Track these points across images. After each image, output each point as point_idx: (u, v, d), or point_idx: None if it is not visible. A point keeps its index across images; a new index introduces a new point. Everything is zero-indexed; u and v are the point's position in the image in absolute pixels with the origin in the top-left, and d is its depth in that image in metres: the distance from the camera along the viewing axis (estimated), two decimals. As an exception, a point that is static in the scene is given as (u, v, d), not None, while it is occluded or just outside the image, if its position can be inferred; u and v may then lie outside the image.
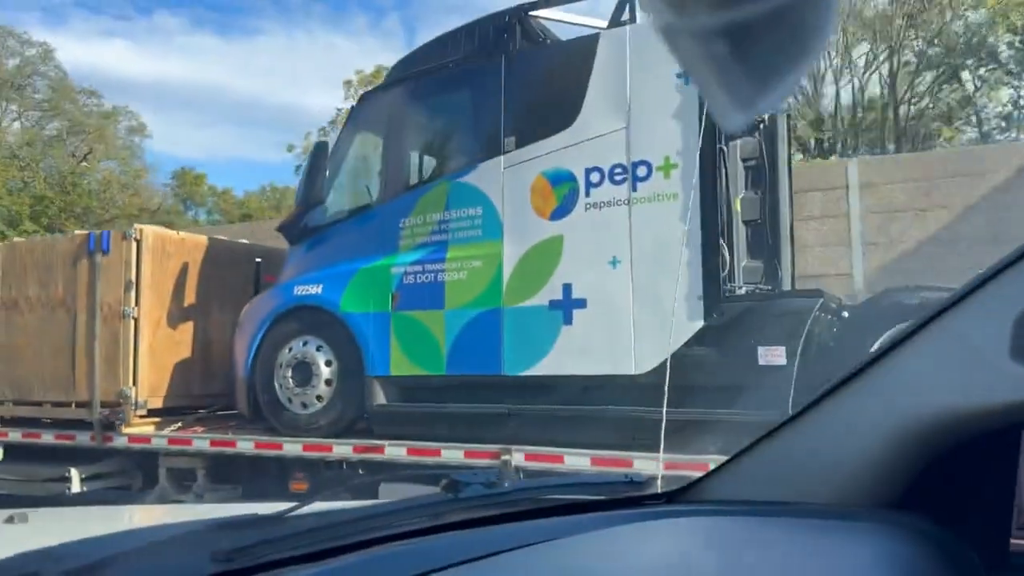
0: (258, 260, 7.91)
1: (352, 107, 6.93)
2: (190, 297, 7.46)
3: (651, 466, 4.86)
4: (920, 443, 0.99)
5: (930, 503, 1.03)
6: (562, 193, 5.50)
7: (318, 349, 6.28)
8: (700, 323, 5.02)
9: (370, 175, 6.56)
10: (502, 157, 5.73)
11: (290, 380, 6.31)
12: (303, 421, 6.27)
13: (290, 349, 6.37)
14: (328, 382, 6.22)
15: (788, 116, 7.21)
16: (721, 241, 5.17)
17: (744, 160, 6.91)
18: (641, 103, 5.31)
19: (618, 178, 5.34)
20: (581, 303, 5.36)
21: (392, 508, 1.16)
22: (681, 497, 1.22)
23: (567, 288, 5.41)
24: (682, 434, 4.98)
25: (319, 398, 6.23)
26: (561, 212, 5.50)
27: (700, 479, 1.23)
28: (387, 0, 58.13)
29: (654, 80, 5.25)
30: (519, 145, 5.68)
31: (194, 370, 7.45)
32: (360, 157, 6.62)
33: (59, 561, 0.91)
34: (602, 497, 1.29)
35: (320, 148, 6.62)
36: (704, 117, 5.07)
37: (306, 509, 1.21)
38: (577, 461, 5.15)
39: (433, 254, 5.92)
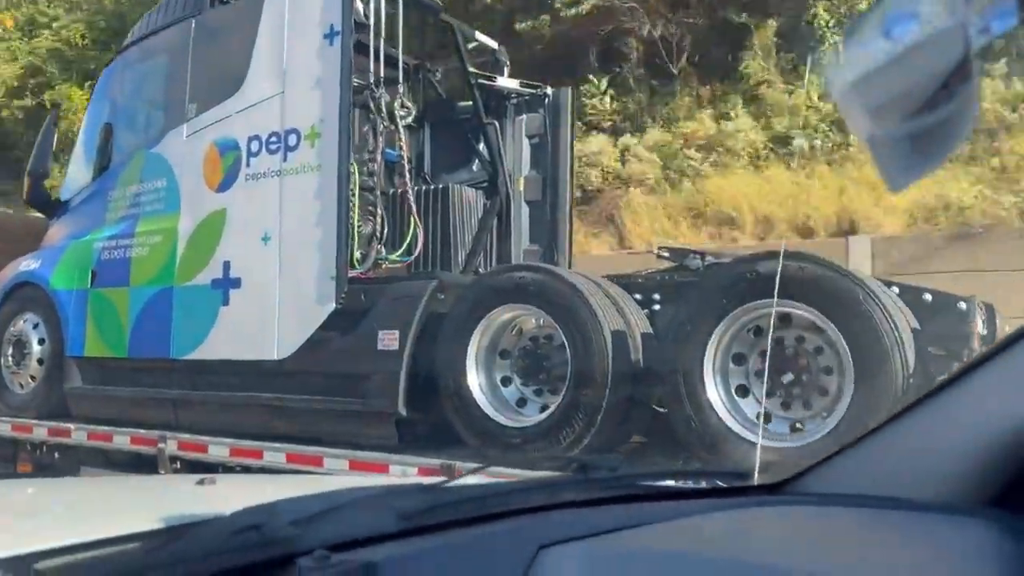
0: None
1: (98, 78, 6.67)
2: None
3: (280, 458, 4.54)
4: (1020, 446, 0.99)
5: None
6: (228, 163, 5.12)
7: (35, 327, 6.06)
8: (332, 306, 4.61)
9: (99, 147, 6.27)
10: (184, 125, 5.38)
11: (10, 358, 6.10)
12: (19, 401, 6.06)
13: (14, 326, 6.16)
14: (40, 361, 5.99)
15: (572, 90, 6.69)
16: (366, 217, 4.74)
17: (529, 137, 6.46)
18: (295, 67, 4.89)
19: (273, 147, 4.93)
20: (236, 282, 4.99)
21: (523, 486, 1.30)
22: (783, 489, 1.24)
23: (227, 266, 5.04)
24: (308, 423, 4.64)
25: (32, 378, 6.02)
26: (226, 184, 5.12)
27: (803, 472, 1.24)
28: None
29: (306, 41, 4.82)
30: (199, 112, 5.32)
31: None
32: (93, 129, 6.34)
33: (278, 516, 0.97)
34: (708, 485, 1.38)
35: (50, 119, 6.38)
36: (345, 82, 4.64)
37: (459, 481, 1.37)
38: (219, 452, 4.80)
39: (126, 229, 5.62)
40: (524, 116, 6.45)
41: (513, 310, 4.11)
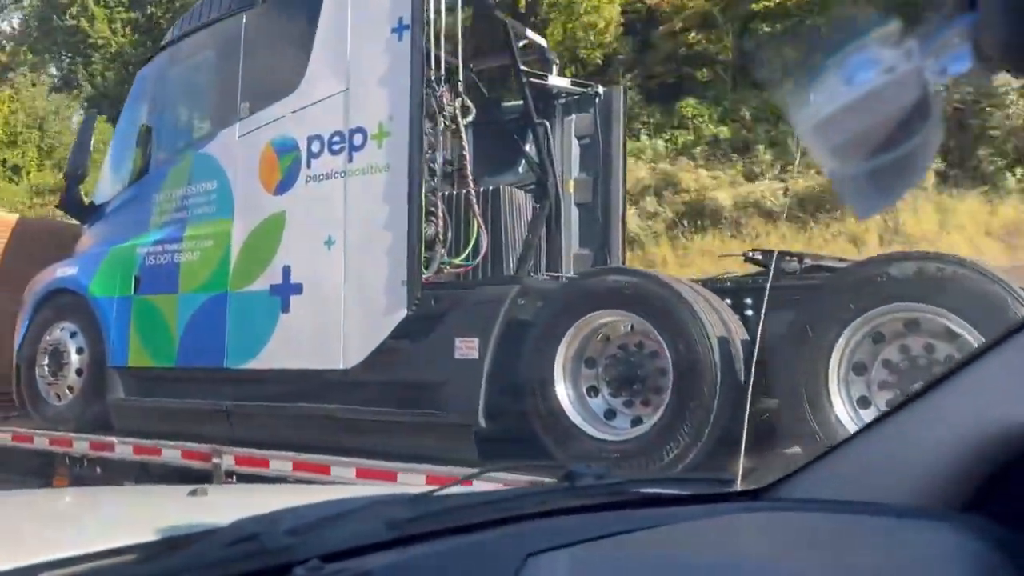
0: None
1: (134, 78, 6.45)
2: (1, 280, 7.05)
3: (349, 473, 4.31)
4: (994, 450, 1.03)
5: (998, 507, 1.05)
6: (286, 164, 4.90)
7: (72, 336, 5.81)
8: (404, 312, 4.39)
9: (138, 149, 6.04)
10: (237, 124, 5.15)
11: (46, 368, 5.85)
12: (54, 413, 5.81)
13: (50, 334, 5.91)
14: (79, 372, 5.74)
15: (625, 91, 6.49)
16: (429, 219, 4.53)
17: (579, 138, 6.27)
18: (360, 63, 4.68)
19: (336, 147, 4.72)
20: (298, 288, 4.77)
21: (511, 494, 1.32)
22: (766, 494, 1.27)
23: (287, 271, 4.82)
24: (379, 437, 4.41)
25: (70, 389, 5.76)
26: (285, 186, 4.90)
27: (784, 478, 1.26)
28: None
29: (372, 36, 4.62)
30: (252, 111, 5.09)
31: (3, 356, 7.03)
32: (132, 132, 6.11)
33: (274, 526, 0.97)
34: (691, 492, 1.38)
35: (88, 120, 6.15)
36: (415, 79, 4.43)
37: (448, 490, 1.32)
38: (281, 466, 4.57)
39: (173, 233, 5.39)
40: (573, 116, 6.27)
41: (607, 316, 3.90)
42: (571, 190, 6.23)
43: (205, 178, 5.28)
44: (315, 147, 4.79)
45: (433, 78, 4.62)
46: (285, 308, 4.79)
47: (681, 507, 1.27)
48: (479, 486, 1.73)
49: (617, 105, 6.21)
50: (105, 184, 6.30)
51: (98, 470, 5.46)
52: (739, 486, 1.38)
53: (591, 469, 1.31)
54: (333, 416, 4.58)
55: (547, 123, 6.06)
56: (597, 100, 6.19)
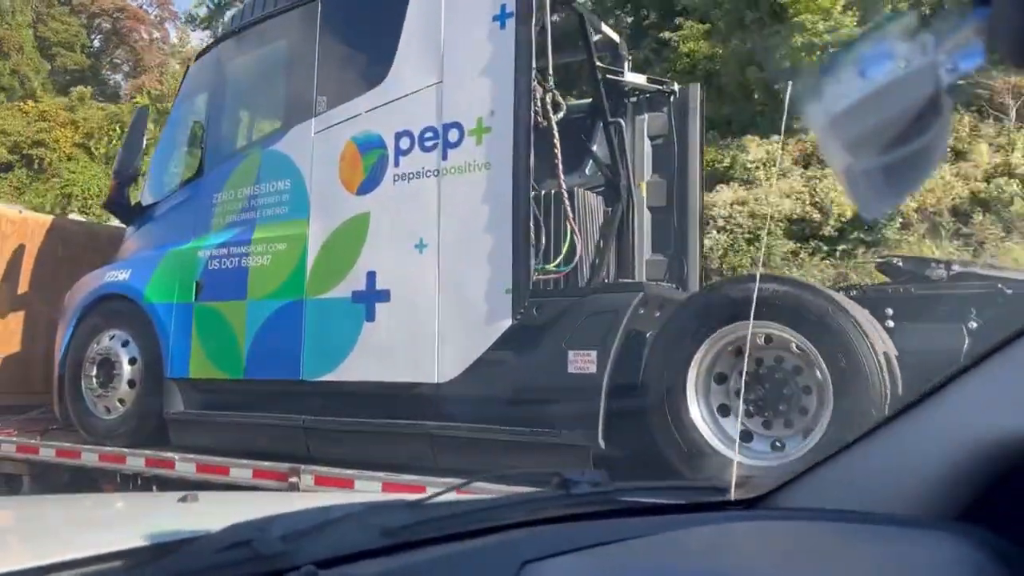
0: (126, 244, 7.11)
1: (185, 72, 6.09)
2: (33, 283, 6.69)
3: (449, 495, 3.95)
4: (987, 461, 1.03)
5: (993, 517, 1.05)
6: (371, 162, 4.57)
7: (124, 345, 5.44)
8: (508, 322, 4.06)
9: (194, 147, 5.70)
10: (313, 120, 4.82)
11: (94, 380, 5.48)
12: (104, 427, 5.43)
13: (98, 343, 5.54)
14: (132, 383, 5.37)
15: (701, 87, 6.19)
16: (535, 222, 4.20)
17: (652, 138, 5.96)
18: (456, 54, 4.35)
19: (428, 144, 4.39)
20: (384, 295, 4.43)
21: (506, 502, 1.29)
22: (760, 504, 1.27)
23: (371, 277, 4.48)
24: (477, 455, 4.07)
25: (121, 401, 5.39)
26: (369, 185, 4.57)
27: (779, 487, 1.26)
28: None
29: (471, 25, 4.30)
30: (330, 106, 4.76)
31: (34, 365, 6.67)
32: (186, 128, 5.77)
33: (267, 532, 0.95)
34: (686, 501, 1.40)
35: (140, 115, 5.79)
36: (521, 71, 4.11)
37: (440, 499, 1.30)
38: (369, 487, 4.22)
39: (240, 235, 5.04)
40: (645, 115, 5.95)
41: (747, 328, 3.57)
42: (643, 193, 5.93)
43: (275, 177, 4.93)
44: (404, 144, 4.46)
45: (536, 71, 4.29)
46: (370, 316, 4.45)
47: (676, 515, 1.27)
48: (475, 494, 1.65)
49: (694, 103, 5.90)
50: (153, 184, 5.95)
51: (154, 488, 5.10)
52: (734, 495, 1.36)
53: (586, 476, 1.27)
54: (425, 432, 4.23)
55: (621, 122, 5.76)
56: (672, 98, 5.88)
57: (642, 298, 3.91)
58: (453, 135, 4.30)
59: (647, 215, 5.92)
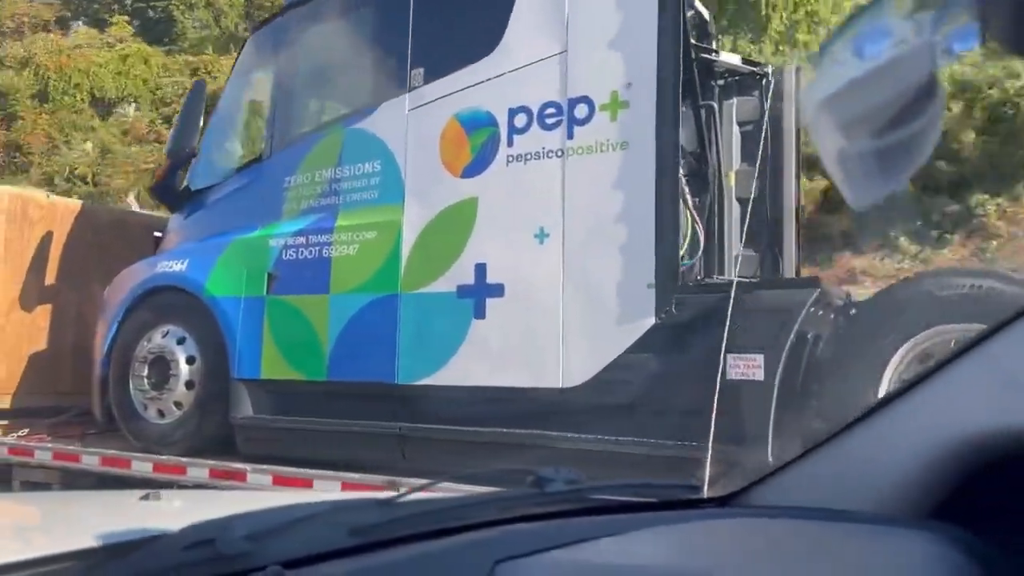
0: (157, 234, 6.56)
1: (243, 44, 5.58)
2: (61, 274, 6.14)
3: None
4: (961, 459, 1.02)
5: (966, 515, 1.03)
6: (479, 142, 4.11)
7: (180, 342, 4.92)
8: (651, 321, 3.62)
9: (258, 125, 5.20)
10: (407, 96, 4.34)
11: (145, 380, 4.95)
12: (157, 433, 4.91)
13: (149, 340, 5.01)
14: (189, 385, 4.85)
15: (798, 70, 5.78)
16: (685, 212, 3.77)
17: (741, 124, 5.52)
18: (583, 19, 3.90)
19: (550, 121, 3.94)
20: (497, 290, 3.97)
21: (478, 500, 1.24)
22: (733, 501, 1.26)
23: (480, 269, 4.02)
24: (611, 471, 3.60)
25: (177, 404, 4.87)
26: (477, 167, 4.11)
27: (752, 484, 1.24)
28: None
29: (601, -12, 3.85)
30: (428, 80, 4.28)
31: (63, 362, 6.12)
32: (248, 105, 5.27)
33: (231, 531, 0.94)
34: (658, 499, 1.38)
35: (197, 89, 5.28)
36: (664, 38, 3.68)
37: (411, 497, 1.26)
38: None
39: (320, 222, 4.55)
40: (735, 99, 5.52)
41: (954, 331, 3.15)
42: (731, 183, 5.51)
43: (362, 158, 4.45)
44: (519, 121, 4.00)
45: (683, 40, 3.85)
46: (479, 313, 3.99)
47: (649, 513, 1.27)
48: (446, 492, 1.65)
49: (790, 87, 5.48)
50: (205, 167, 5.43)
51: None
52: (707, 492, 1.34)
53: (560, 474, 1.24)
54: (549, 444, 3.77)
55: (712, 105, 5.33)
56: (764, 82, 5.45)
57: (818, 295, 3.47)
58: (581, 111, 3.85)
59: (736, 207, 5.51)
